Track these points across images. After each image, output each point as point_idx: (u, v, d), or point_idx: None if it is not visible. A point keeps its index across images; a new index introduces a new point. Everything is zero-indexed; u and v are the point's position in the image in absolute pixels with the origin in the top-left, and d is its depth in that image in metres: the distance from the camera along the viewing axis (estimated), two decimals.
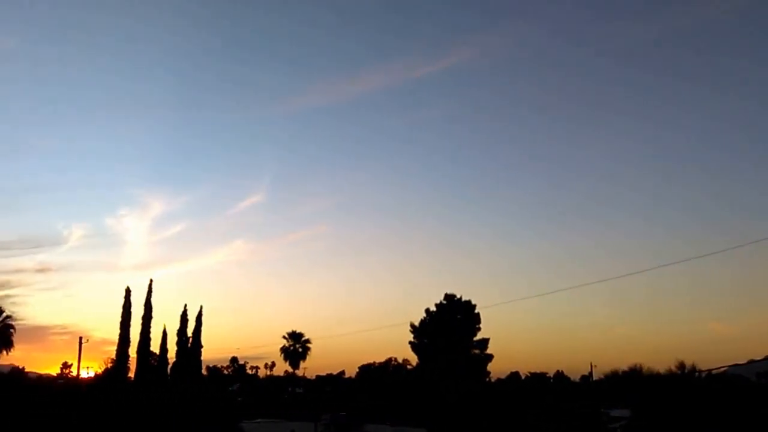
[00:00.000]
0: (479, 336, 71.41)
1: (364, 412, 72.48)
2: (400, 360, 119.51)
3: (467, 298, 72.90)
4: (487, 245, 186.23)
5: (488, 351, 71.45)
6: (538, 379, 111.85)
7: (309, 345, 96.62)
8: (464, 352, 70.27)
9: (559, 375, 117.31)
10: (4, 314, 68.65)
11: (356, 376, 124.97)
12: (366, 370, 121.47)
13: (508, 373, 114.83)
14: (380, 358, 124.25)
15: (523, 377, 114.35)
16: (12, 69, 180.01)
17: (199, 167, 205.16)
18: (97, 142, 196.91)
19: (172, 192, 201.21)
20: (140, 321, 61.20)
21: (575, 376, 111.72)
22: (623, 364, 75.08)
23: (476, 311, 71.95)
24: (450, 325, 71.04)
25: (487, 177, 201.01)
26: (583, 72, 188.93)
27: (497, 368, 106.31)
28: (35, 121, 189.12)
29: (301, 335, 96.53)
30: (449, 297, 73.02)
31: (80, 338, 67.90)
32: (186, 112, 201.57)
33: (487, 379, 76.26)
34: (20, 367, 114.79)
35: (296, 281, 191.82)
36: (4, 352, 68.30)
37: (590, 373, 79.44)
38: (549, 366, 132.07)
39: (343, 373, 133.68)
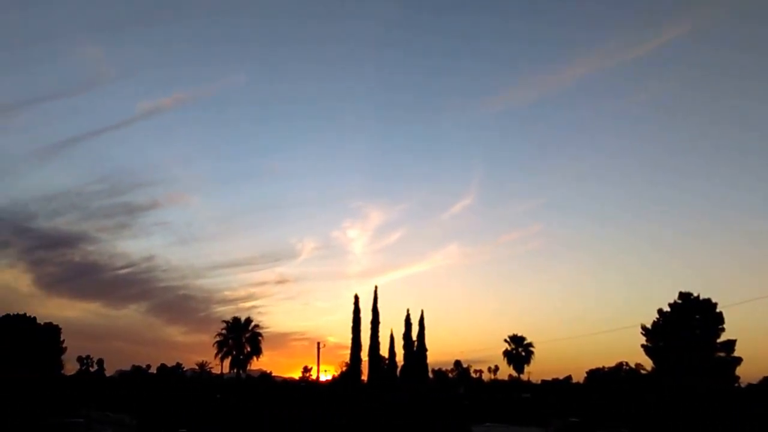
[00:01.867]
0: (723, 337, 64.56)
1: (596, 418, 69.05)
2: (632, 364, 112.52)
3: (706, 296, 66.36)
4: (728, 236, 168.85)
5: (735, 354, 64.34)
6: None
7: (532, 349, 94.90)
8: (706, 354, 63.98)
9: None
10: (253, 323, 76.76)
11: (584, 380, 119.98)
12: (595, 374, 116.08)
13: (761, 377, 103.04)
14: (609, 362, 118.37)
15: None
16: (244, 102, 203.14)
17: (411, 175, 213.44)
18: (321, 162, 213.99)
19: (389, 202, 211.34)
20: (368, 326, 64.58)
21: None
22: None
23: (718, 310, 65.20)
24: (687, 327, 65.14)
25: (724, 157, 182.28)
26: None
27: (748, 372, 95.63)
28: (269, 147, 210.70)
29: (523, 339, 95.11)
30: (685, 296, 66.93)
31: (318, 344, 73.60)
32: (396, 124, 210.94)
33: (736, 384, 68.71)
34: (268, 371, 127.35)
35: (513, 283, 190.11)
36: (255, 358, 76.28)
37: None
38: None
39: (570, 377, 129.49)
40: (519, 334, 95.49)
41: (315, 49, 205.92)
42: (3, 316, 72.75)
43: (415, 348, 65.89)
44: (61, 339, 77.27)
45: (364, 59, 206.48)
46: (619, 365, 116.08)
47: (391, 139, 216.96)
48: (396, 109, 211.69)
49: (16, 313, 74.68)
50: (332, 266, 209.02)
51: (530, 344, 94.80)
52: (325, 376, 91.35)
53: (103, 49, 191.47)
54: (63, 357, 79.49)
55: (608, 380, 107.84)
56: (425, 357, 67.20)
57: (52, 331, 76.10)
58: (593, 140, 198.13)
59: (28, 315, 75.15)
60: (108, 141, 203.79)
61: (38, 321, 75.41)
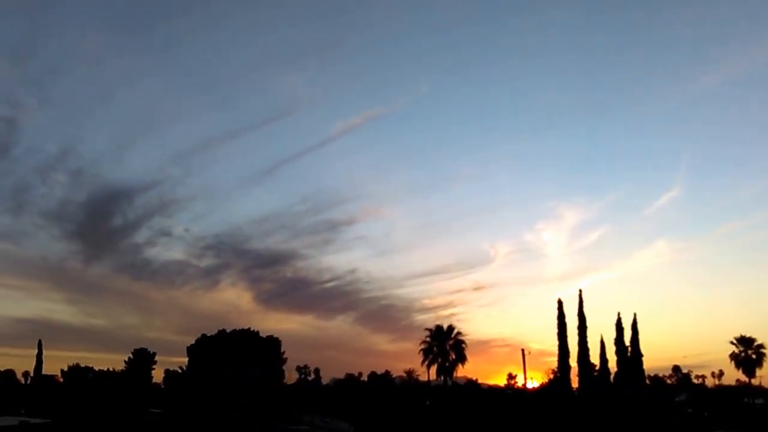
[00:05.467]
0: None
1: None
2: None
3: None
4: None
5: None
6: None
7: (764, 350, 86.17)
8: None
9: None
10: (455, 331, 77.21)
11: None
12: None
13: None
14: None
15: None
16: (430, 111, 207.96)
17: (607, 170, 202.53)
18: (510, 164, 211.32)
19: (585, 200, 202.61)
20: (575, 331, 62.30)
21: None
22: None
23: None
24: None
25: None
26: None
27: None
28: (456, 153, 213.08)
29: (752, 340, 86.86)
30: None
31: (522, 350, 72.14)
32: (587, 115, 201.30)
33: None
34: (473, 378, 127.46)
35: (737, 279, 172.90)
36: (460, 365, 76.64)
37: None
38: None
39: None
40: (747, 335, 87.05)
41: (495, 45, 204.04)
42: (231, 332, 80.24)
43: (629, 354, 62.33)
44: (282, 350, 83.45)
45: (550, 51, 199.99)
46: None
47: (583, 133, 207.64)
48: (587, 99, 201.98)
49: (241, 328, 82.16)
50: (528, 270, 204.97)
51: (761, 345, 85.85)
52: (532, 384, 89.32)
53: (298, 77, 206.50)
54: (284, 367, 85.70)
55: None
56: (641, 363, 63.41)
57: (273, 343, 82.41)
58: None
59: (251, 329, 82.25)
60: (308, 163, 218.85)
61: (261, 334, 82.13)
